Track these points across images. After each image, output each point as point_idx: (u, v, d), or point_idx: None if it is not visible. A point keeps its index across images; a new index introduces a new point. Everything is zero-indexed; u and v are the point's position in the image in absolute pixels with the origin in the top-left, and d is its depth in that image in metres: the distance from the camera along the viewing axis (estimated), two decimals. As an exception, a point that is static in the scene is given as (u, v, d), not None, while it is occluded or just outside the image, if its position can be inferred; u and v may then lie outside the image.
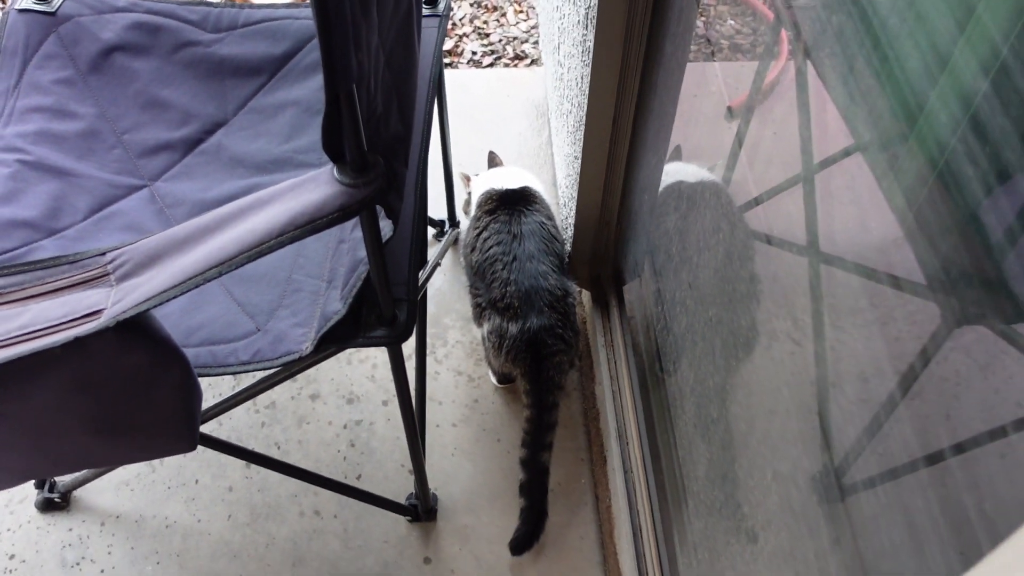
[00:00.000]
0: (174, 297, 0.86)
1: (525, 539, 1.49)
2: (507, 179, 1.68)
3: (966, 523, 0.56)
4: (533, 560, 1.54)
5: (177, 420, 1.04)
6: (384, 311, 1.09)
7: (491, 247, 1.52)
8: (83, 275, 0.96)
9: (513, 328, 1.45)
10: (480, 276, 1.53)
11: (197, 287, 0.86)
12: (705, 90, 1.25)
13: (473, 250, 1.57)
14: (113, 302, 0.91)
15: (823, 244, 0.85)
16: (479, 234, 1.57)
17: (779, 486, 0.76)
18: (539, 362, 1.45)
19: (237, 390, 1.25)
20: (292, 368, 1.17)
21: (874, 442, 0.68)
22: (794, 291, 0.89)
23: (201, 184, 1.39)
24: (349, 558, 1.54)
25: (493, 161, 1.85)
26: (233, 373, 1.15)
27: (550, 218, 1.61)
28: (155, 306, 0.86)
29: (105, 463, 1.14)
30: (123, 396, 0.97)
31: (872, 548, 0.67)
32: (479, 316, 1.54)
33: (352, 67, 0.79)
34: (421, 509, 1.55)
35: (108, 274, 0.95)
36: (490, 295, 1.49)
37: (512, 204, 1.58)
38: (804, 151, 0.91)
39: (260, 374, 1.24)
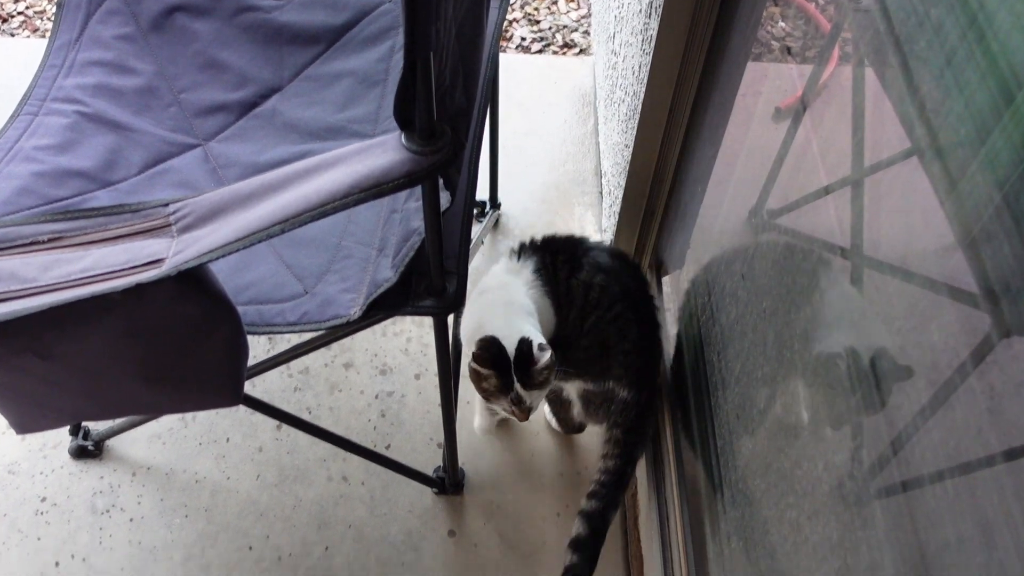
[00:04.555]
0: (236, 251, 0.87)
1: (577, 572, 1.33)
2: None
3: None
4: (555, 541, 1.54)
5: (224, 374, 1.06)
6: (434, 282, 1.10)
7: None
8: (144, 224, 0.97)
9: (625, 394, 1.37)
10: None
11: (259, 243, 0.87)
12: (753, 89, 1.25)
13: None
14: (174, 252, 0.92)
15: (868, 248, 0.85)
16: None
17: (829, 475, 0.76)
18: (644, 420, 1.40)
19: (272, 354, 1.27)
20: (337, 333, 1.18)
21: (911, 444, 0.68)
22: (835, 293, 0.88)
23: (254, 147, 1.40)
24: (374, 525, 1.56)
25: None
26: (280, 333, 1.16)
27: None
28: (216, 259, 0.87)
29: (150, 411, 1.15)
30: (174, 346, 0.98)
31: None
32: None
33: (431, 35, 0.80)
34: (448, 482, 1.56)
35: (170, 225, 0.96)
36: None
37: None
38: (855, 153, 0.90)
39: (295, 340, 1.26)
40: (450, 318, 1.19)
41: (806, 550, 0.83)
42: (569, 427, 1.64)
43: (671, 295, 1.69)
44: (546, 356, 1.22)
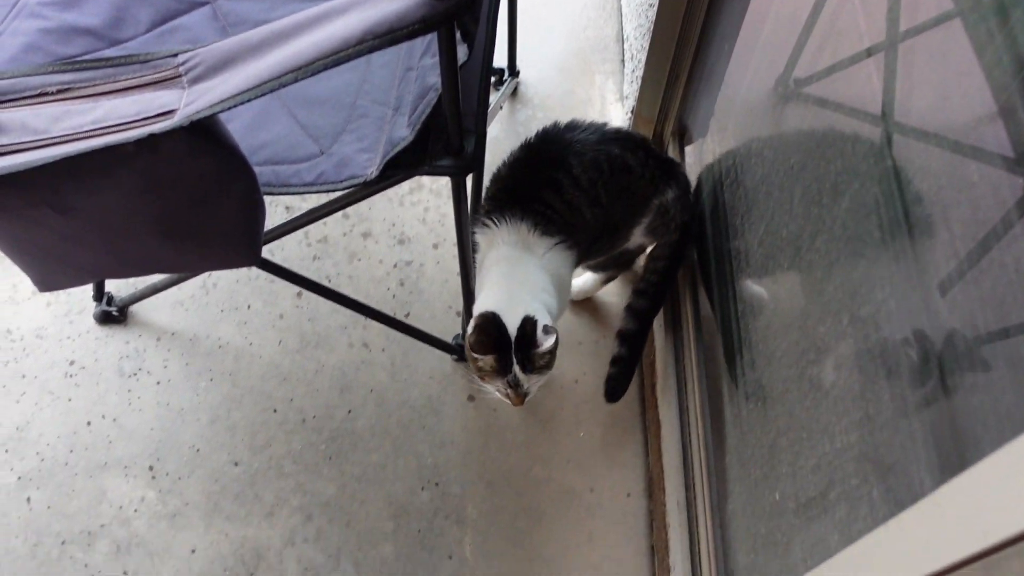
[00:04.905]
0: (249, 100, 0.84)
1: (621, 387, 1.47)
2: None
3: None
4: (572, 407, 1.57)
5: (241, 232, 1.05)
6: (452, 140, 1.07)
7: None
8: (155, 75, 0.94)
9: (669, 194, 1.37)
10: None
11: (272, 92, 0.84)
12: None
13: None
14: (186, 103, 0.90)
15: (899, 115, 0.81)
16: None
17: (855, 329, 0.75)
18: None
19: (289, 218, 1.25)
20: (354, 194, 1.16)
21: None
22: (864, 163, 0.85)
23: (264, 4, 1.35)
24: (395, 389, 1.58)
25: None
26: (296, 193, 1.14)
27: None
28: (228, 108, 0.84)
29: (170, 269, 1.15)
30: (191, 201, 0.97)
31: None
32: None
33: None
34: (467, 349, 1.58)
35: (180, 76, 0.93)
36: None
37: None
38: (890, 18, 0.85)
39: (313, 204, 1.24)
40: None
41: (827, 404, 0.83)
42: (619, 271, 1.61)
43: (693, 165, 1.65)
44: (550, 340, 1.14)
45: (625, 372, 1.46)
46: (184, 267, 1.13)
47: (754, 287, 1.13)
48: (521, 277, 1.25)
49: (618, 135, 1.34)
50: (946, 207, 0.67)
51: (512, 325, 1.16)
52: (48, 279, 1.06)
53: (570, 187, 1.28)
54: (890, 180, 0.76)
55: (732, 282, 1.20)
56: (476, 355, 1.17)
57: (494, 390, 1.25)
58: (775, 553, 0.97)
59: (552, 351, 1.15)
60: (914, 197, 0.69)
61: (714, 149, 1.44)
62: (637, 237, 1.43)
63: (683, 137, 1.69)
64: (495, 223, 1.28)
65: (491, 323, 1.17)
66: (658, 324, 1.61)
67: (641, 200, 1.36)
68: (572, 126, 1.34)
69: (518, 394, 1.22)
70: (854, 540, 0.70)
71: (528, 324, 1.15)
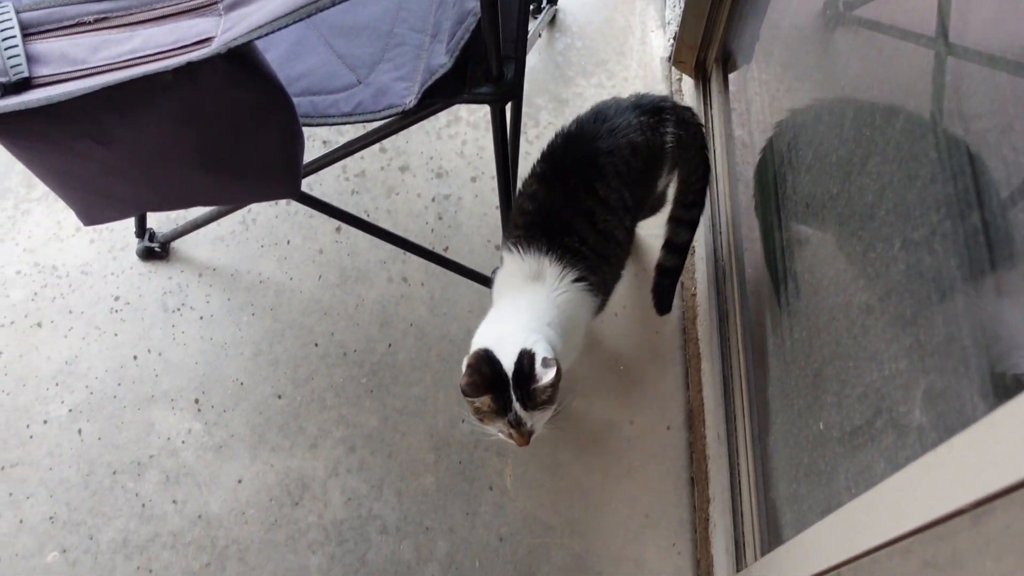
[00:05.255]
0: (285, 26, 0.83)
1: (670, 297, 1.47)
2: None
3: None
4: (613, 342, 1.57)
5: (281, 164, 1.05)
6: (491, 67, 1.05)
7: None
8: (191, 3, 0.93)
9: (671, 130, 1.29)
10: None
11: (309, 16, 0.82)
12: None
13: None
14: (223, 30, 0.89)
15: (954, 35, 0.77)
16: None
17: (907, 254, 0.73)
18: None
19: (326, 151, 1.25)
20: (392, 125, 1.15)
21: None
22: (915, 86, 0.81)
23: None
24: (435, 324, 1.59)
25: None
26: (334, 124, 1.14)
27: None
28: (266, 35, 0.83)
29: (210, 201, 1.15)
30: (230, 132, 0.97)
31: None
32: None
33: None
34: (506, 283, 1.57)
35: (216, 2, 0.92)
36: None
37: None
38: None
39: (351, 137, 1.23)
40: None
41: (876, 331, 0.81)
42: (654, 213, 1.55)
43: (737, 93, 1.61)
44: (550, 374, 1.03)
45: (673, 283, 1.46)
46: (224, 199, 1.13)
47: (801, 215, 1.10)
48: (526, 307, 1.15)
49: (639, 103, 1.26)
50: (1003, 128, 0.65)
51: (508, 360, 1.06)
52: (92, 213, 1.07)
53: (602, 212, 1.19)
54: (944, 100, 0.73)
55: (778, 211, 1.18)
56: (470, 398, 1.07)
57: (496, 431, 1.13)
58: (818, 482, 0.97)
59: (554, 384, 1.04)
60: (971, 115, 0.66)
61: (759, 76, 1.40)
62: (662, 185, 1.39)
63: (727, 64, 1.64)
64: (520, 252, 1.18)
65: (484, 361, 1.07)
66: (700, 256, 1.59)
67: (660, 160, 1.29)
68: (598, 115, 1.24)
69: (521, 434, 1.10)
70: (901, 467, 0.70)
71: (525, 357, 1.05)
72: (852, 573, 0.79)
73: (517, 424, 1.08)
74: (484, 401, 1.07)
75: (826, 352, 0.95)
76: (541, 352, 1.05)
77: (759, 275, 1.33)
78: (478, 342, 1.12)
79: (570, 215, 1.17)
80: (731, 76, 1.64)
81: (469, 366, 1.07)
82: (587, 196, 1.18)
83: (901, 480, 0.69)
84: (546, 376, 1.03)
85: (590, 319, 1.25)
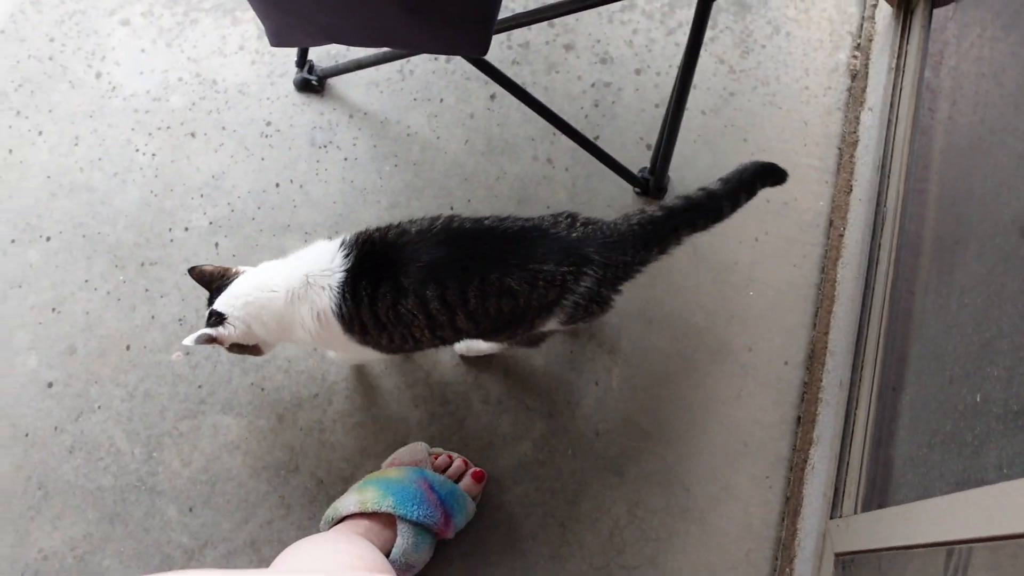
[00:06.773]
0: None
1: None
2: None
3: None
4: (747, 264, 1.53)
5: (479, 18, 1.02)
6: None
7: None
8: None
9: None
10: None
11: None
12: None
13: None
14: None
15: None
16: None
17: None
18: None
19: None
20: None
21: None
22: None
23: None
24: (572, 210, 1.57)
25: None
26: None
27: None
28: None
29: (398, 44, 1.12)
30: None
31: None
32: None
33: None
34: (652, 184, 1.53)
35: None
36: None
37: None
38: None
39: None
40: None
41: None
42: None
43: (936, 32, 1.49)
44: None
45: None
46: (413, 45, 1.11)
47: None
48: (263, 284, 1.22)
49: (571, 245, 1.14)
50: None
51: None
52: (282, 32, 1.06)
53: (415, 303, 1.12)
54: None
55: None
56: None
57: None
58: (959, 453, 0.94)
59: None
60: None
61: (964, 18, 1.29)
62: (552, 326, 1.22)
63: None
64: (346, 246, 1.19)
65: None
66: (857, 197, 1.52)
67: (540, 315, 1.17)
68: (524, 235, 1.13)
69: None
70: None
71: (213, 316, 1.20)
72: (990, 552, 0.77)
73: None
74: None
75: (1004, 324, 0.90)
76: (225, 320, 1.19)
77: (929, 230, 1.26)
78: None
79: (395, 270, 1.12)
80: (936, 11, 1.52)
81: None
82: (431, 280, 1.10)
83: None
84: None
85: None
